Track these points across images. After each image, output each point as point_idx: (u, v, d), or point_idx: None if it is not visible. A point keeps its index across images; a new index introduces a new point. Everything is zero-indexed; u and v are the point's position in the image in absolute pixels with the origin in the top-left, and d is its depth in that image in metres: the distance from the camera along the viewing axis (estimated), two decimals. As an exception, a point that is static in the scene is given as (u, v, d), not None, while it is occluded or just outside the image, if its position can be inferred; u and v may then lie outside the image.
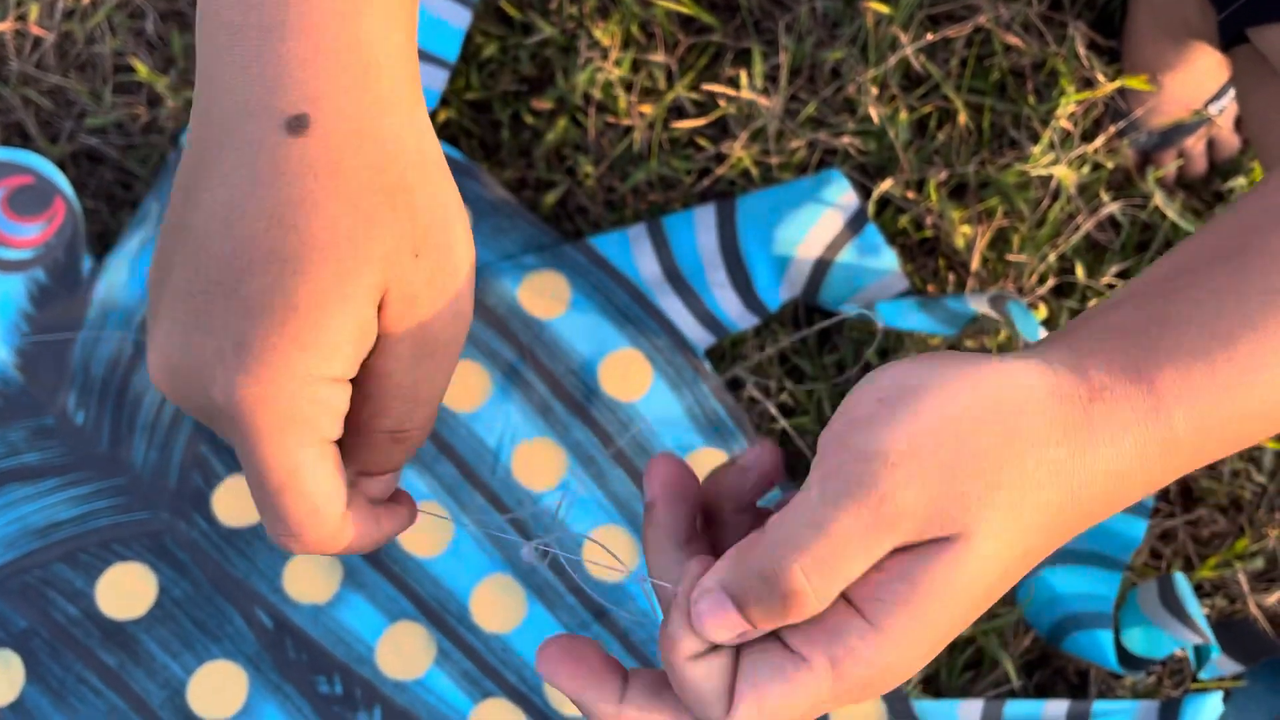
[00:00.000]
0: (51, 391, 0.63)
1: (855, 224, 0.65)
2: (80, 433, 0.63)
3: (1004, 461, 0.30)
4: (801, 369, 0.69)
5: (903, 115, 0.69)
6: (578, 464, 0.62)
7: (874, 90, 0.70)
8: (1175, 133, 0.70)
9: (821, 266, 0.64)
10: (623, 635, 0.60)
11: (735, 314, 0.65)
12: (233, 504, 0.61)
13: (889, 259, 0.65)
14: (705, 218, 0.66)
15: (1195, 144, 0.71)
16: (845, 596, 0.31)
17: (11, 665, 0.58)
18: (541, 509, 0.61)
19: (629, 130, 0.71)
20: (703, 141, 0.71)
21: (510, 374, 0.64)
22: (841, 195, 0.65)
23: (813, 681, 0.30)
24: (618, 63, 0.71)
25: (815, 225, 0.64)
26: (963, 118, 0.70)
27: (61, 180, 0.67)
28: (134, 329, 0.64)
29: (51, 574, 0.60)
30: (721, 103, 0.71)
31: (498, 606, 0.60)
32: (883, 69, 0.69)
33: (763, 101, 0.69)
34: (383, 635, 0.60)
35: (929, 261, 0.70)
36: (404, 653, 0.59)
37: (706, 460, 0.63)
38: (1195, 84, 0.68)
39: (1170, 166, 0.70)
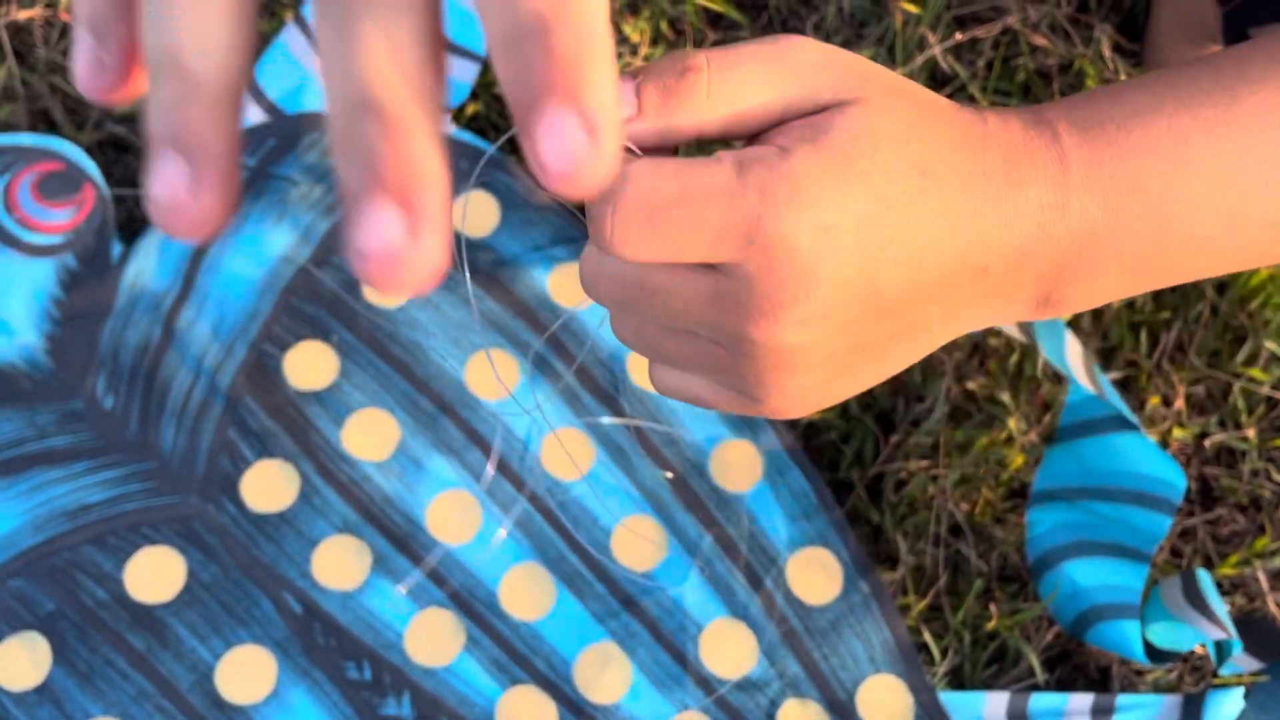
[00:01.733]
0: (80, 376, 0.63)
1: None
2: (109, 417, 0.63)
3: (903, 80, 0.32)
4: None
5: (928, 114, 0.70)
6: (606, 454, 0.63)
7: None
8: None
9: None
10: (653, 625, 0.60)
11: None
12: (261, 489, 0.61)
13: None
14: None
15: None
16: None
17: (38, 647, 0.58)
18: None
19: (656, 126, 0.72)
20: (729, 138, 0.72)
21: (539, 364, 0.64)
22: None
23: (714, 165, 0.29)
24: (646, 58, 0.71)
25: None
26: (987, 118, 0.71)
27: (91, 167, 0.67)
28: (163, 315, 0.64)
29: (80, 557, 0.60)
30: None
31: (527, 594, 0.60)
32: (909, 68, 0.70)
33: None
34: (411, 622, 0.60)
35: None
36: (433, 639, 0.59)
37: (734, 452, 0.63)
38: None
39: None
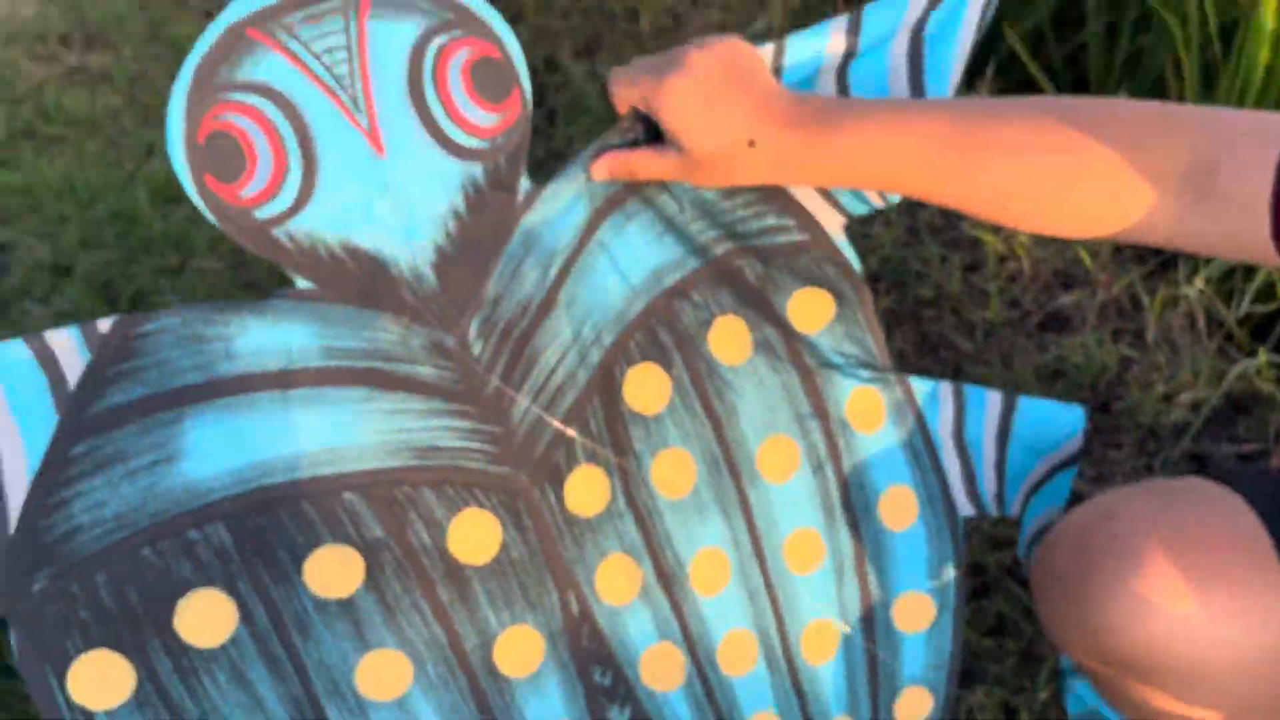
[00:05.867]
0: (459, 310, 0.61)
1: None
2: (474, 365, 0.62)
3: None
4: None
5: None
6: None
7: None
8: None
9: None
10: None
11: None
12: (580, 493, 0.65)
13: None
14: (993, 402, 0.77)
15: None
16: None
17: (352, 564, 0.59)
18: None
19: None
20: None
21: (815, 466, 0.72)
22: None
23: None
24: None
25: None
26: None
27: (523, 69, 0.62)
28: (550, 280, 0.64)
29: (419, 496, 0.61)
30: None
31: (740, 654, 0.71)
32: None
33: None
34: (649, 649, 0.68)
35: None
36: (662, 668, 0.68)
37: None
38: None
39: None
